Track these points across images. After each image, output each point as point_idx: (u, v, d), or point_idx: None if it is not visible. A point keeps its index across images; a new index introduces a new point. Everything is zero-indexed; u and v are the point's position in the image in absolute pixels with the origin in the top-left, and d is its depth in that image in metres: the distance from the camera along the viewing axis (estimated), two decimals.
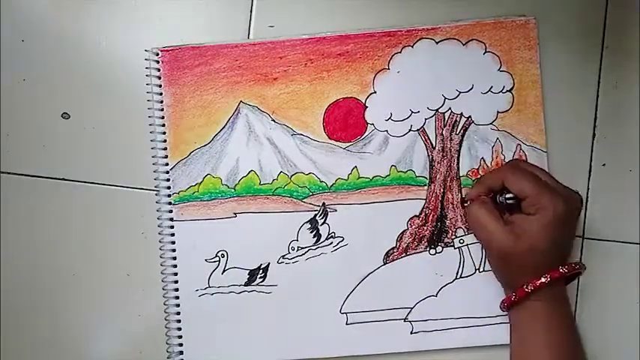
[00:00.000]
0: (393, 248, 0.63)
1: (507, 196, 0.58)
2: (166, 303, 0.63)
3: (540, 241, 0.56)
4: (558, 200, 0.56)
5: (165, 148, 0.63)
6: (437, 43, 0.62)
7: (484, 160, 0.63)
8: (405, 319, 0.63)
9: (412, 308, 0.63)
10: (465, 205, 0.62)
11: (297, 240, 0.63)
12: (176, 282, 0.63)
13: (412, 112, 0.63)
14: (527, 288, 0.56)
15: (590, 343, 0.63)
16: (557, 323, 0.57)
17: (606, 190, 0.64)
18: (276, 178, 0.63)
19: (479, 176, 0.63)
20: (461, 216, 0.63)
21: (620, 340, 0.64)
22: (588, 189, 0.64)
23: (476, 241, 0.62)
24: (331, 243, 0.63)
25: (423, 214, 0.63)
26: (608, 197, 0.64)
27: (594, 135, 0.64)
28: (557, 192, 0.57)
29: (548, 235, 0.56)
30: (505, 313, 0.60)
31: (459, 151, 0.63)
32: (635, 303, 0.64)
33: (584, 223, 0.64)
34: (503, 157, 0.63)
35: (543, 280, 0.56)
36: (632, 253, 0.64)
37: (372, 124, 0.63)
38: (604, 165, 0.64)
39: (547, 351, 0.56)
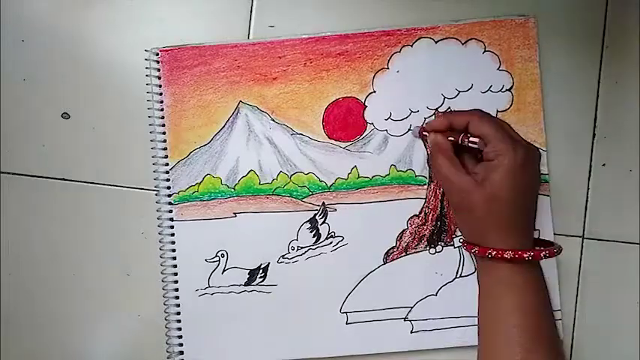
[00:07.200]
0: (392, 247, 0.63)
1: (472, 139, 0.57)
2: (166, 303, 0.63)
3: (502, 189, 0.54)
4: (517, 146, 0.55)
5: (165, 148, 0.63)
6: (436, 42, 0.62)
7: None
8: (405, 319, 0.63)
9: (412, 307, 0.63)
10: (425, 134, 0.61)
11: (297, 240, 0.63)
12: (176, 282, 0.63)
13: (412, 111, 0.63)
14: (489, 254, 0.54)
15: (590, 343, 0.63)
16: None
17: (606, 190, 0.64)
18: (275, 177, 0.63)
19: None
20: None
21: (620, 340, 0.64)
22: (588, 189, 0.64)
23: None
24: (331, 242, 0.63)
25: (423, 213, 0.63)
26: (608, 197, 0.64)
27: (594, 135, 0.64)
28: (517, 140, 0.56)
29: (509, 182, 0.54)
30: None
31: None
32: (635, 303, 0.64)
33: (584, 223, 0.64)
34: None
35: (507, 256, 0.54)
36: (632, 253, 0.64)
37: (372, 123, 0.63)
38: (604, 165, 0.64)
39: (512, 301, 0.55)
